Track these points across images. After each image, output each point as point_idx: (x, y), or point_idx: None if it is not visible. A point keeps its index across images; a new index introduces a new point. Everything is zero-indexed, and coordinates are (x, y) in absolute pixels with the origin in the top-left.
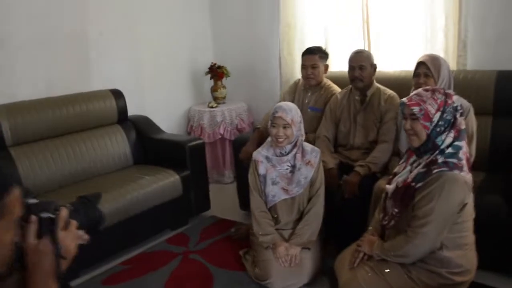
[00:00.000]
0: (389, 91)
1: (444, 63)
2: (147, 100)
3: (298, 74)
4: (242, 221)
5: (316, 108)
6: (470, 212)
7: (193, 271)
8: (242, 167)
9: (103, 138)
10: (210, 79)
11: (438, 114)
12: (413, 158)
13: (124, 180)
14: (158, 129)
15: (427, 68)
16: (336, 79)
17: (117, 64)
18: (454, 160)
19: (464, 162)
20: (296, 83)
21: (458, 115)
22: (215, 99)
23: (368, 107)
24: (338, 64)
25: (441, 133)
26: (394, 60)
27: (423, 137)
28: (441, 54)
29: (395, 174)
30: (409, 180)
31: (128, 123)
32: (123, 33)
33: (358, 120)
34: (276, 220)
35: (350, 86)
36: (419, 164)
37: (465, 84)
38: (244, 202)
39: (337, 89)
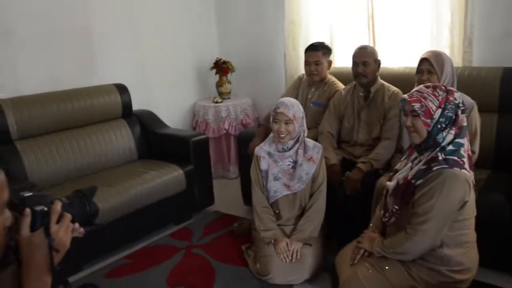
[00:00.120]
0: (393, 88)
1: (447, 59)
2: (152, 95)
3: (302, 70)
4: (245, 216)
5: (319, 103)
6: (471, 210)
7: (196, 265)
8: (246, 163)
9: (108, 133)
10: (215, 74)
11: (439, 110)
12: (414, 155)
13: (128, 175)
14: (162, 124)
15: (430, 65)
16: (341, 75)
17: (122, 59)
18: (455, 157)
19: (465, 159)
20: (300, 78)
21: (459, 112)
22: (220, 94)
23: (372, 104)
24: (343, 60)
25: (442, 130)
26: (399, 56)
27: (424, 134)
28: (446, 50)
29: (396, 171)
30: (410, 177)
31: (133, 117)
32: (128, 28)
33: (361, 117)
34: (277, 216)
35: (354, 82)
36: (419, 161)
37: (470, 81)
38: (248, 198)
39: (340, 85)
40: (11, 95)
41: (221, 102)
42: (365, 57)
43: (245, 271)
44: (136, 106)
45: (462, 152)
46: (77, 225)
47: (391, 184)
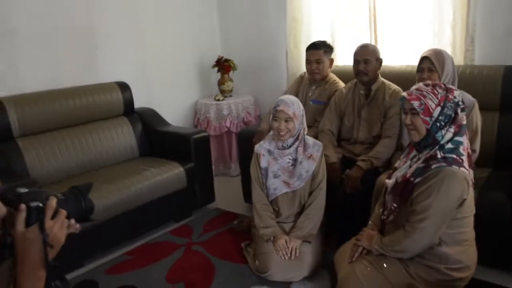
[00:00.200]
0: (394, 86)
1: (448, 57)
2: (154, 93)
3: (304, 68)
4: (245, 214)
5: (319, 100)
6: (470, 208)
7: (196, 262)
8: (247, 160)
9: (109, 130)
10: (217, 72)
11: (439, 109)
12: (414, 153)
13: (129, 172)
14: (164, 122)
15: (431, 63)
16: (342, 74)
17: (124, 58)
18: (454, 156)
19: (464, 157)
20: (301, 76)
21: (459, 110)
22: (222, 92)
23: (373, 102)
24: (345, 58)
25: (441, 128)
26: (401, 54)
27: (423, 132)
28: (448, 48)
29: (396, 169)
30: (408, 175)
31: (135, 115)
32: (130, 26)
33: (362, 115)
34: (277, 213)
35: (355, 80)
36: (418, 159)
37: (472, 79)
38: (249, 195)
39: (341, 84)
40: (13, 92)
41: (222, 100)
42: (366, 55)
43: (245, 268)
44: (138, 104)
45: (461, 150)
46: (72, 221)
47: (390, 182)
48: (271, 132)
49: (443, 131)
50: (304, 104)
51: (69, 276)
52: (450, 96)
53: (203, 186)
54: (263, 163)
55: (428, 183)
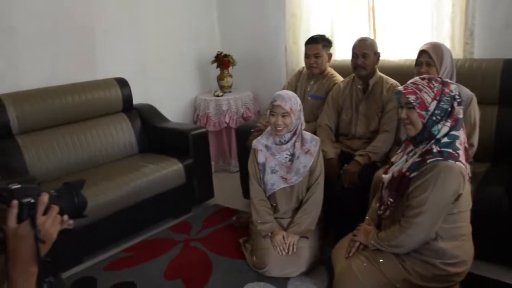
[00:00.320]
0: (392, 80)
1: (446, 51)
2: (154, 89)
3: (303, 63)
4: (244, 210)
5: (317, 96)
6: (466, 203)
7: (194, 258)
8: (245, 156)
9: (108, 127)
10: (216, 68)
11: (435, 102)
12: (410, 147)
13: (128, 168)
14: (163, 118)
15: (429, 57)
16: (341, 68)
17: (123, 54)
18: (450, 150)
19: (460, 152)
20: (300, 72)
21: (455, 104)
22: (221, 88)
23: (370, 96)
24: (343, 53)
25: (437, 122)
26: (400, 48)
27: (419, 126)
28: (447, 41)
29: (392, 164)
30: (404, 169)
31: (133, 111)
32: (129, 22)
33: (360, 110)
34: (275, 209)
35: (353, 75)
36: (415, 154)
37: (470, 73)
38: (247, 191)
39: (339, 78)
40: (12, 90)
41: (222, 95)
42: (364, 49)
43: (243, 264)
44: (137, 100)
45: (457, 144)
46: (65, 217)
47: (386, 177)
48: (269, 128)
49: (439, 125)
50: (303, 99)
51: (68, 273)
52: (446, 90)
53: (202, 182)
54: (261, 159)
55: (423, 178)
